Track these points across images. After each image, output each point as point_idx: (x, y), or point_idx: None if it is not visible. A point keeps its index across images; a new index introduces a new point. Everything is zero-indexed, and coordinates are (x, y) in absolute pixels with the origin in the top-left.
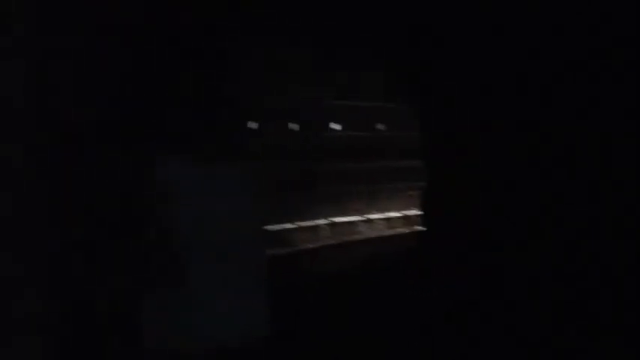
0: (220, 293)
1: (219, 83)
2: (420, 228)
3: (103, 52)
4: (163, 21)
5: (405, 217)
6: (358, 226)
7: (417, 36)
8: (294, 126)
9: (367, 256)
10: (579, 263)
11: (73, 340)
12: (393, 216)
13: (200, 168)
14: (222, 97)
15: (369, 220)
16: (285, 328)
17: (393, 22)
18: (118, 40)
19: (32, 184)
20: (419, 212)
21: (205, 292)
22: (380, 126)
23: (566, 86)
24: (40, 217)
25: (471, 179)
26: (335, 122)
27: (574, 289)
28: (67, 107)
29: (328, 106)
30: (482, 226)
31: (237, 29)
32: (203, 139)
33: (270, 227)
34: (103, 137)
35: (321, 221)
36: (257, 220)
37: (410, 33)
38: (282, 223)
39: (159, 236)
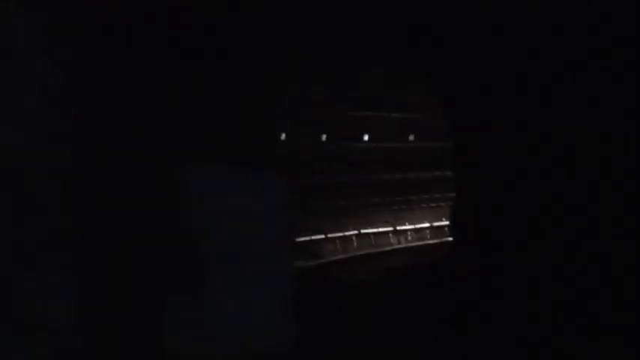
0: (243, 302)
1: (248, 89)
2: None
3: (106, 53)
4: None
5: (435, 228)
6: (387, 237)
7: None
8: (322, 136)
9: (395, 267)
10: (579, 263)
11: (91, 345)
12: (422, 227)
13: (224, 172)
14: (249, 104)
15: (398, 231)
16: (309, 340)
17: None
18: (123, 41)
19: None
20: (448, 223)
21: (228, 300)
22: (410, 137)
23: (566, 86)
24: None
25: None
26: (361, 132)
27: (574, 289)
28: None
29: (354, 116)
30: (482, 226)
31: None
32: (229, 143)
33: (296, 238)
34: (120, 137)
35: (349, 232)
36: (283, 229)
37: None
38: (308, 234)
39: (179, 241)
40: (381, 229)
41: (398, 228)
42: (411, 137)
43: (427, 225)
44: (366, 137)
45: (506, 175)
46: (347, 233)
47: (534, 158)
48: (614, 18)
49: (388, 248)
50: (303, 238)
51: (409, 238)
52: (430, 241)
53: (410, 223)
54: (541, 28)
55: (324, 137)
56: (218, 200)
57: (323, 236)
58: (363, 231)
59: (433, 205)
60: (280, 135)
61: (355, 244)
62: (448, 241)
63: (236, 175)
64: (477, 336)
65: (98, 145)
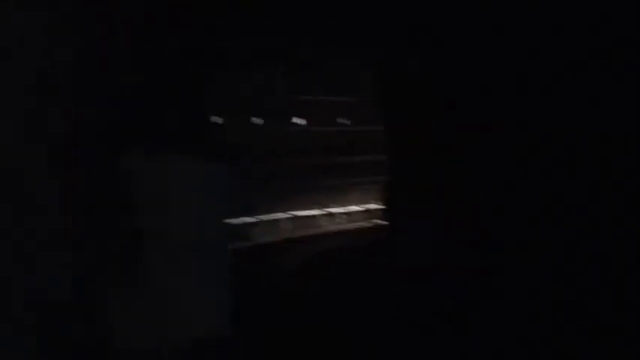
0: (182, 287)
1: (183, 76)
2: (381, 222)
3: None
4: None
5: (367, 211)
6: (320, 220)
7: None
8: (257, 120)
9: (329, 250)
10: (579, 263)
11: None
12: (355, 210)
13: (161, 158)
14: (185, 89)
15: (331, 214)
16: (248, 324)
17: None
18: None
19: None
20: (380, 206)
21: (166, 286)
22: (343, 120)
23: (566, 86)
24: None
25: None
26: (299, 117)
27: (574, 289)
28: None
29: (292, 100)
30: (481, 226)
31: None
32: (166, 131)
33: (232, 221)
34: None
35: (283, 215)
36: (220, 213)
37: (383, 30)
38: (245, 216)
39: (119, 227)
40: (315, 212)
41: (331, 211)
42: (344, 121)
43: (360, 208)
44: (301, 121)
45: (505, 175)
46: (281, 216)
47: (534, 158)
48: (614, 18)
49: (322, 231)
50: (236, 221)
51: (342, 220)
52: (363, 224)
53: (342, 206)
54: (541, 28)
55: (260, 122)
56: (158, 185)
57: (256, 219)
58: (296, 214)
59: (366, 188)
60: (218, 120)
61: (289, 226)
62: (381, 225)
63: (176, 161)
64: (474, 335)
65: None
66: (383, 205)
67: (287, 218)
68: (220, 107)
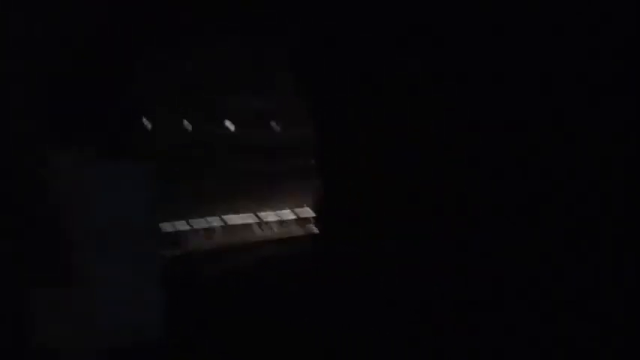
0: (111, 291)
1: (112, 81)
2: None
3: None
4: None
5: (298, 218)
6: (250, 227)
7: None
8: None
9: (260, 257)
10: (579, 263)
11: None
12: (286, 218)
13: (90, 163)
14: (114, 95)
15: (261, 221)
16: (179, 329)
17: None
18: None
19: None
20: (312, 212)
21: (95, 289)
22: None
23: (566, 86)
24: None
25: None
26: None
27: (574, 289)
28: None
29: (220, 102)
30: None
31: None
32: (93, 135)
33: (162, 227)
34: None
35: (213, 220)
36: (148, 218)
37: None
38: (174, 221)
39: (46, 230)
40: (245, 220)
41: (262, 219)
42: (274, 124)
43: (292, 217)
44: (229, 124)
45: (505, 175)
46: (211, 223)
47: (534, 158)
48: (614, 18)
49: (252, 239)
50: (166, 227)
51: (273, 228)
52: (294, 233)
53: (274, 214)
54: (541, 28)
55: (187, 124)
56: (84, 189)
57: (188, 227)
58: (226, 220)
59: (298, 194)
60: (143, 123)
61: (219, 233)
62: (313, 233)
63: (102, 164)
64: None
65: None
66: (314, 211)
67: (218, 225)
68: (148, 109)
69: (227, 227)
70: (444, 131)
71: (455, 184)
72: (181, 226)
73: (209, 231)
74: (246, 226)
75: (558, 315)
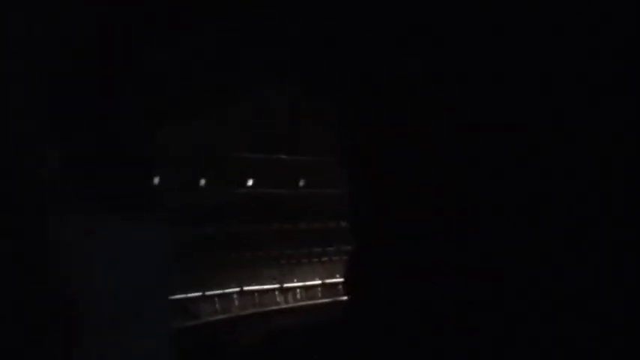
0: None
1: (121, 140)
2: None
3: None
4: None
5: (327, 286)
6: (273, 295)
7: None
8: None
9: (284, 328)
10: (579, 263)
11: None
12: (312, 284)
13: (99, 228)
14: (125, 155)
15: (285, 289)
16: None
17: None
18: None
19: None
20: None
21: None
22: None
23: (566, 86)
24: None
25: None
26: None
27: (574, 288)
28: None
29: (239, 159)
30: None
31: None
32: (104, 197)
33: (176, 296)
34: None
35: (233, 290)
36: (161, 287)
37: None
38: (189, 292)
39: (54, 302)
40: (266, 287)
41: (285, 285)
42: (302, 183)
43: (318, 282)
44: (250, 182)
45: (505, 175)
46: (228, 290)
47: (534, 158)
48: (614, 18)
49: (274, 307)
50: (178, 296)
51: (298, 296)
52: (321, 300)
53: (299, 280)
54: (541, 28)
55: (202, 182)
56: (94, 252)
57: (200, 294)
58: (245, 288)
59: (325, 259)
60: (154, 179)
61: (237, 302)
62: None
63: (114, 225)
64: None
65: None
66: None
67: (236, 292)
68: (160, 166)
69: (244, 294)
70: (444, 131)
71: (455, 184)
72: (195, 293)
73: (225, 299)
74: (267, 293)
75: (558, 315)
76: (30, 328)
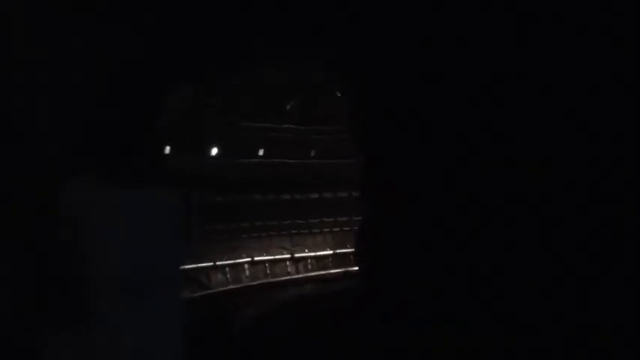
0: (132, 332)
1: (134, 109)
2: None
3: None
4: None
5: (337, 255)
6: (284, 266)
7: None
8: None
9: (294, 298)
10: (579, 263)
11: None
12: (323, 254)
13: (109, 192)
14: (137, 122)
15: (295, 259)
16: None
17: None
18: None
19: None
20: (353, 250)
21: (115, 330)
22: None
23: (566, 86)
24: None
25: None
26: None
27: (574, 288)
28: None
29: (248, 129)
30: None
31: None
32: (114, 162)
33: (187, 266)
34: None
35: (243, 260)
36: (176, 254)
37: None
38: (200, 261)
39: (62, 265)
40: (277, 257)
41: (296, 255)
42: (313, 153)
43: (329, 252)
44: (261, 152)
45: (505, 175)
46: (239, 260)
47: (534, 158)
48: (614, 18)
49: (285, 278)
50: (189, 266)
51: (309, 266)
52: (332, 271)
53: (310, 250)
54: (542, 28)
55: (214, 152)
56: (105, 223)
57: (211, 263)
58: (256, 258)
59: (336, 229)
60: (165, 150)
61: (248, 272)
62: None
63: (125, 195)
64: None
65: None
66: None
67: (247, 262)
68: (172, 136)
69: (255, 264)
70: (445, 131)
71: (455, 184)
72: (204, 263)
73: (235, 269)
74: (278, 263)
75: (559, 315)
76: (43, 297)
